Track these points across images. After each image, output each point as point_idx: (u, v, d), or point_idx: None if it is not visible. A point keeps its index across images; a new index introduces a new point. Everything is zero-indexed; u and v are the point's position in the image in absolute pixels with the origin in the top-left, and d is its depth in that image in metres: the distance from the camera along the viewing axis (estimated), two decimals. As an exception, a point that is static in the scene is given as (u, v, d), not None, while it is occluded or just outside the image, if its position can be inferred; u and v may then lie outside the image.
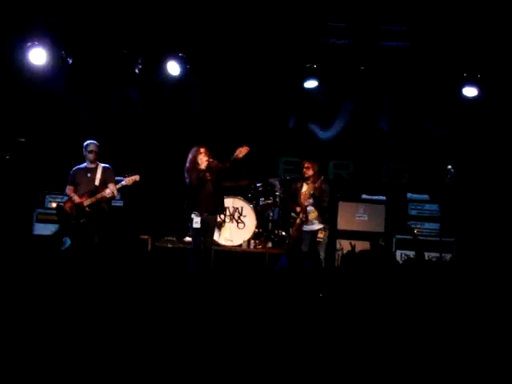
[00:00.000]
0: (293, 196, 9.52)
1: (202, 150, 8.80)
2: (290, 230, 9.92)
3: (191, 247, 9.04)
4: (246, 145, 8.55)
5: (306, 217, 9.26)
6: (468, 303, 4.46)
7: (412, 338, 3.92)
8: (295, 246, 9.53)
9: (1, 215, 9.99)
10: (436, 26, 9.90)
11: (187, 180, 8.84)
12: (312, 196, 9.19)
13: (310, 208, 9.28)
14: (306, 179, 9.35)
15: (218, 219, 9.71)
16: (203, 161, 8.74)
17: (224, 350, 3.78)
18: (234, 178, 10.45)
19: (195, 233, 8.83)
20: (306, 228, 9.36)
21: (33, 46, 10.22)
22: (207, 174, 8.74)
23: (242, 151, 8.49)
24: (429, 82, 11.12)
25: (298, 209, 9.31)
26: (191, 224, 8.80)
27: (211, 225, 8.92)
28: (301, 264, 7.73)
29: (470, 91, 10.62)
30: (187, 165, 8.87)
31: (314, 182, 9.21)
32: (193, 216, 8.76)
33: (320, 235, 9.26)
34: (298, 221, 9.35)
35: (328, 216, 9.53)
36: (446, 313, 4.22)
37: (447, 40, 10.10)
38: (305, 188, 9.33)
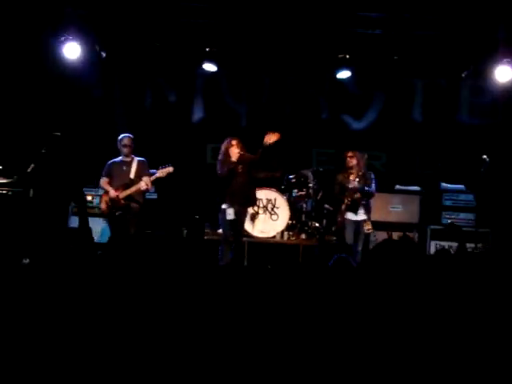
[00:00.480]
0: (341, 189, 9.31)
1: (234, 142, 8.80)
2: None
3: (222, 238, 9.02)
4: (277, 131, 8.52)
5: (355, 203, 9.14)
6: (500, 299, 4.41)
7: (433, 334, 3.90)
8: (338, 235, 9.48)
9: (37, 208, 10.11)
10: (468, 12, 9.76)
11: (219, 172, 8.86)
12: (359, 185, 9.08)
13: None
14: (349, 169, 9.25)
15: (251, 211, 9.75)
16: (234, 153, 8.74)
17: (235, 346, 3.79)
18: (267, 169, 10.45)
19: (228, 224, 8.80)
20: (351, 217, 9.25)
21: (67, 40, 10.32)
22: (239, 167, 8.73)
23: (271, 137, 8.44)
24: (461, 69, 11.00)
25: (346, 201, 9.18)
26: (224, 215, 8.77)
27: (242, 216, 8.91)
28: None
29: (503, 74, 10.34)
30: (219, 157, 8.91)
31: (358, 172, 9.14)
32: (224, 207, 8.76)
33: (366, 226, 9.18)
34: (343, 207, 9.21)
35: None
36: (471, 308, 4.18)
37: (477, 26, 9.95)
38: (351, 178, 9.19)
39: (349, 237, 9.21)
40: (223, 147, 8.88)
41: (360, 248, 9.18)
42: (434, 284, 4.48)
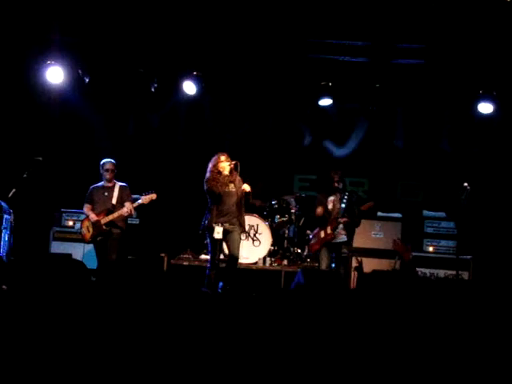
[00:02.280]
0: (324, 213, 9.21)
1: (223, 157, 8.64)
2: (310, 241, 9.63)
3: (210, 260, 8.75)
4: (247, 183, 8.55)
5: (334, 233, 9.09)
6: (483, 323, 4.42)
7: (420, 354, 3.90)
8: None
9: (18, 233, 10.04)
10: (450, 43, 9.89)
11: (209, 190, 8.58)
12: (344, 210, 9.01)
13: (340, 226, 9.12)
14: (335, 191, 9.17)
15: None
16: (225, 166, 8.58)
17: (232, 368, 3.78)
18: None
19: (215, 244, 8.58)
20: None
21: (50, 64, 10.32)
22: (231, 183, 8.58)
23: (245, 187, 8.50)
24: (444, 99, 11.12)
25: (321, 231, 9.15)
26: (211, 234, 8.53)
27: (234, 235, 8.61)
28: (318, 281, 7.63)
29: (485, 108, 10.58)
30: (207, 175, 8.66)
31: (341, 192, 9.08)
32: (214, 225, 8.46)
33: (345, 250, 9.19)
34: (322, 235, 9.16)
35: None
36: (457, 332, 4.19)
37: (462, 57, 10.10)
38: (334, 200, 9.14)
39: (324, 264, 9.19)
40: (211, 164, 8.68)
41: (343, 271, 9.22)
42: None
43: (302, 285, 5.66)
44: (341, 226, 9.09)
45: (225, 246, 8.95)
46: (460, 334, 4.14)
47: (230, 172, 8.59)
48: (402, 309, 4.54)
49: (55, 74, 10.40)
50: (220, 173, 8.59)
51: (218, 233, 8.47)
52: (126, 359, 3.80)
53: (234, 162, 8.59)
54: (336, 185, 9.12)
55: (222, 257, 8.98)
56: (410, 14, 9.28)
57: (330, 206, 9.17)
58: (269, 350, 3.93)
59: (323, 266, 9.16)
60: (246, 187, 8.50)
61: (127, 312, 4.62)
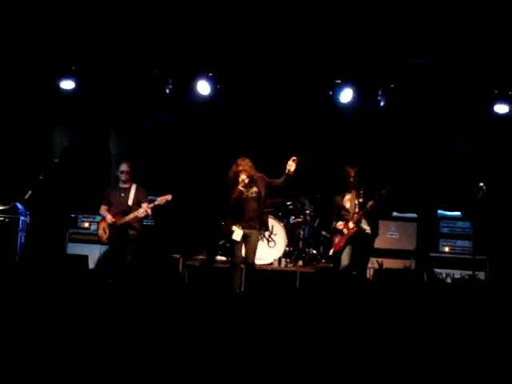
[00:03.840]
0: (338, 213, 9.13)
1: (241, 167, 8.50)
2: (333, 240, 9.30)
3: (230, 262, 8.77)
4: (294, 156, 8.39)
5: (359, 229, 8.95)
6: (497, 323, 4.41)
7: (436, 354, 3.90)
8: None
9: (35, 235, 10.10)
10: (466, 42, 9.85)
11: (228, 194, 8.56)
12: (362, 205, 8.90)
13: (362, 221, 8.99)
14: (350, 187, 9.07)
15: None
16: (241, 179, 8.45)
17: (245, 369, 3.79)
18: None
19: (234, 246, 8.57)
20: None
21: (66, 67, 10.38)
22: (244, 192, 8.49)
23: (292, 164, 8.31)
24: (459, 99, 11.06)
25: (344, 227, 8.97)
26: (229, 236, 8.53)
27: (252, 240, 8.56)
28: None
29: (501, 108, 10.54)
30: (227, 180, 8.63)
31: (357, 188, 8.97)
32: (234, 228, 8.46)
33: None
34: (345, 231, 8.98)
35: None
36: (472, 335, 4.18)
37: (478, 56, 10.06)
38: (350, 198, 9.05)
39: (346, 260, 9.02)
40: (231, 170, 8.61)
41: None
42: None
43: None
44: (363, 220, 8.98)
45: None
46: (472, 334, 4.13)
47: (246, 185, 8.50)
48: (415, 307, 4.54)
49: (69, 80, 10.44)
50: (236, 182, 8.49)
51: (237, 234, 8.46)
52: (146, 356, 3.83)
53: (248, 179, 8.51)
54: (352, 180, 9.02)
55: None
56: (426, 13, 9.25)
57: (347, 205, 9.07)
58: (282, 348, 3.94)
59: (344, 262, 8.97)
60: (292, 166, 8.35)
61: (144, 311, 4.64)
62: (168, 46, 10.53)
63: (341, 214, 9.10)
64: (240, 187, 8.43)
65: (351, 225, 8.96)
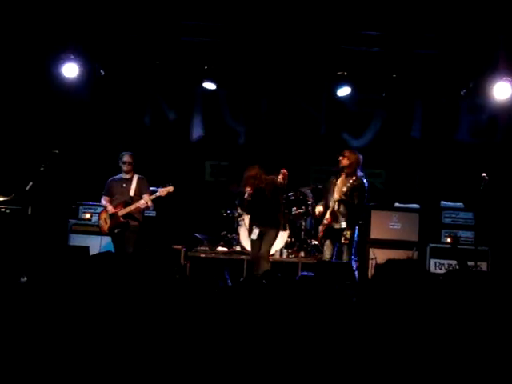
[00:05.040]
0: (326, 193, 8.97)
1: (252, 173, 8.82)
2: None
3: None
4: (283, 170, 8.57)
5: (334, 216, 8.70)
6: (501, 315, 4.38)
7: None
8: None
9: (36, 226, 10.08)
10: (468, 31, 9.79)
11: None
12: (344, 192, 8.60)
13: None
14: (341, 170, 8.82)
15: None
16: (247, 191, 8.86)
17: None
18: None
19: (252, 243, 9.03)
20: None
21: (66, 58, 10.34)
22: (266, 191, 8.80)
23: (284, 179, 8.55)
24: (461, 89, 11.01)
25: (328, 213, 8.76)
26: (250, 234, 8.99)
27: (267, 237, 8.92)
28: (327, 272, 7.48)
29: (501, 93, 10.32)
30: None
31: (349, 175, 8.68)
32: (253, 227, 8.91)
33: (345, 236, 8.65)
34: (324, 221, 8.87)
35: (358, 217, 8.97)
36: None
37: (479, 47, 10.00)
38: (339, 182, 8.79)
39: (328, 252, 8.94)
40: (244, 176, 8.98)
41: (346, 259, 8.70)
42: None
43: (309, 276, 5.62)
44: (341, 209, 8.71)
45: None
46: (474, 325, 4.11)
47: (255, 190, 8.85)
48: (416, 300, 4.52)
49: (71, 68, 10.41)
50: (244, 187, 8.94)
51: (254, 233, 8.86)
52: (148, 348, 3.81)
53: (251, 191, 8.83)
54: (344, 163, 8.75)
55: None
56: (427, 2, 9.20)
57: (334, 190, 8.81)
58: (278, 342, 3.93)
59: (326, 255, 8.91)
60: (284, 179, 8.58)
61: (146, 302, 4.62)
62: (171, 38, 10.49)
63: (327, 198, 8.95)
64: (246, 198, 8.92)
65: (327, 215, 8.80)
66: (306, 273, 6.07)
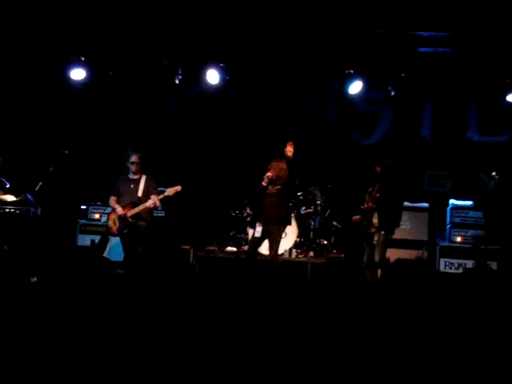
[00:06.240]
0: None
1: (273, 167, 8.75)
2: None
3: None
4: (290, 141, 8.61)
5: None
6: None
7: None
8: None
9: (45, 226, 10.11)
10: (478, 30, 9.77)
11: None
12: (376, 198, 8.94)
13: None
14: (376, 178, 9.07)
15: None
16: (267, 175, 8.71)
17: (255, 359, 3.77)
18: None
19: (253, 241, 8.90)
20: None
21: (74, 58, 10.36)
22: (270, 187, 8.72)
23: (290, 150, 8.57)
24: (471, 88, 10.98)
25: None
26: (253, 232, 8.87)
27: (273, 235, 8.77)
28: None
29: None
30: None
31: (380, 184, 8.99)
32: (256, 224, 8.78)
33: (375, 237, 8.91)
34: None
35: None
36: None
37: (490, 45, 9.97)
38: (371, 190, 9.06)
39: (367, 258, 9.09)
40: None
41: (377, 259, 8.90)
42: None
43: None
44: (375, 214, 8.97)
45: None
46: (482, 323, 4.10)
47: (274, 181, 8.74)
48: (426, 298, 4.51)
49: (80, 68, 10.44)
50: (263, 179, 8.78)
51: (258, 231, 8.73)
52: (156, 347, 3.82)
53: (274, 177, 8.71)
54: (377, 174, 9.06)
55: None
56: (436, 1, 9.18)
57: (366, 198, 9.09)
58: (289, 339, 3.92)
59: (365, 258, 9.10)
60: (289, 152, 8.61)
61: (155, 302, 4.63)
62: (177, 36, 10.49)
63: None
64: (263, 183, 8.69)
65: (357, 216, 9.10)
66: None
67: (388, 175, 9.12)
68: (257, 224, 8.76)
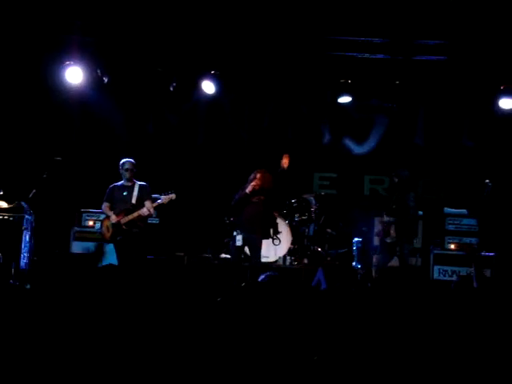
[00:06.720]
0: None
1: (258, 178, 8.86)
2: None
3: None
4: (285, 153, 8.60)
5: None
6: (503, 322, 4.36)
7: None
8: None
9: (39, 233, 10.07)
10: (471, 38, 9.80)
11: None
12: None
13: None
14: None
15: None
16: (253, 184, 8.81)
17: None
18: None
19: (235, 250, 8.93)
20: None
21: (69, 65, 10.36)
22: (253, 197, 8.81)
23: (286, 162, 8.75)
24: (464, 95, 11.00)
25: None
26: (233, 242, 8.88)
27: (254, 243, 8.90)
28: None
29: (506, 103, 10.45)
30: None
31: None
32: (234, 234, 8.82)
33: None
34: None
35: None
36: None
37: (482, 52, 10.00)
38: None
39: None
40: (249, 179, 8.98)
41: None
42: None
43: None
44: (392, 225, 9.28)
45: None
46: (476, 331, 4.09)
47: (252, 191, 8.83)
48: (419, 306, 4.50)
49: (74, 74, 10.43)
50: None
51: (238, 240, 8.77)
52: (150, 352, 3.80)
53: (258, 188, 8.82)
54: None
55: None
56: (430, 9, 9.20)
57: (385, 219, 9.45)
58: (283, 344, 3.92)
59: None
60: (285, 164, 8.95)
61: (148, 309, 4.61)
62: (173, 44, 10.50)
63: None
64: (247, 191, 8.78)
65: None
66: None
67: (405, 186, 9.26)
68: (235, 233, 8.80)
